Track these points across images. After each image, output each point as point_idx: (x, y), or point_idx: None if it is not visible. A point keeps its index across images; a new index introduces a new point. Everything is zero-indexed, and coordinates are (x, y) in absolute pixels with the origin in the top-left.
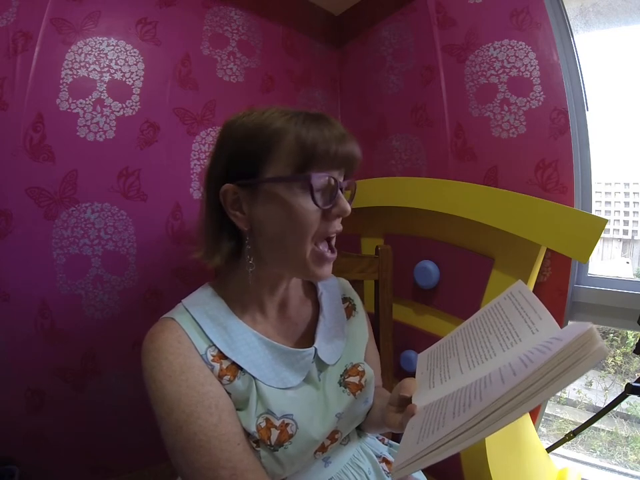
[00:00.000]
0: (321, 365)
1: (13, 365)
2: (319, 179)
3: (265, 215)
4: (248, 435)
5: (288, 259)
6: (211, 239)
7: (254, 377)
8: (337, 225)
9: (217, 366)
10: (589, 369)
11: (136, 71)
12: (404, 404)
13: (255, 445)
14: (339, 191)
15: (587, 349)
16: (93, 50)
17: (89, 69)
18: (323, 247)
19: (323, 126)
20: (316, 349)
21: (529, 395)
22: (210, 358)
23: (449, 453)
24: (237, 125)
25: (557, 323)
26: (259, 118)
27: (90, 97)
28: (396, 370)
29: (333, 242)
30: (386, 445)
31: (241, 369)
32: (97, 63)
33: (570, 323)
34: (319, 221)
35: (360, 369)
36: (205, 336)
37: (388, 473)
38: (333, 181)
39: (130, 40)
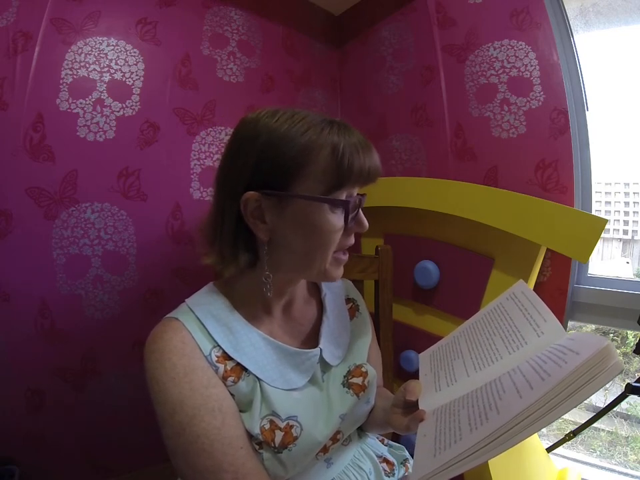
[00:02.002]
0: (325, 366)
1: (13, 365)
2: (353, 201)
3: (290, 228)
4: (251, 437)
5: (309, 269)
6: (226, 247)
7: (258, 378)
8: (352, 239)
9: (221, 367)
10: (605, 383)
11: (136, 71)
12: (409, 407)
13: (257, 446)
14: (360, 209)
15: (604, 364)
16: (93, 50)
17: (89, 69)
18: (339, 252)
19: (354, 139)
20: (321, 350)
21: (549, 409)
22: (214, 359)
23: (469, 467)
24: (260, 127)
25: (561, 326)
26: (287, 124)
27: (90, 97)
28: (396, 370)
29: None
30: (386, 445)
31: (246, 370)
32: (97, 62)
33: (575, 333)
34: (340, 236)
35: (363, 369)
36: (209, 336)
37: (388, 473)
38: (358, 200)
39: (130, 40)
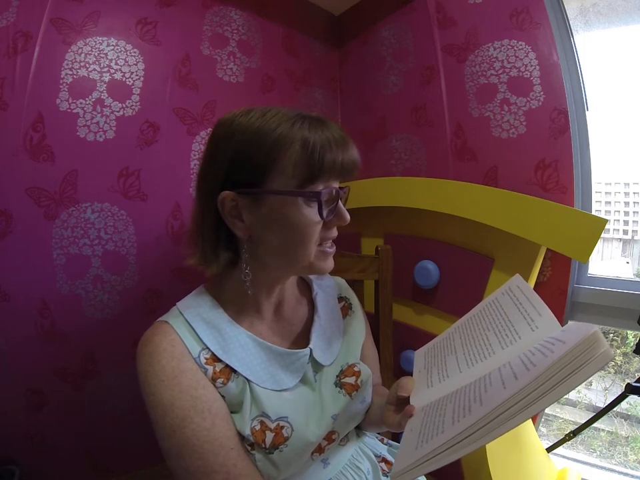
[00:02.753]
0: (317, 366)
1: (13, 365)
2: (326, 193)
3: (267, 225)
4: (242, 438)
5: (292, 264)
6: (208, 246)
7: (248, 380)
8: (334, 232)
9: (210, 369)
10: (593, 373)
11: (136, 71)
12: (402, 403)
13: (249, 448)
14: (339, 201)
15: (591, 352)
16: (93, 50)
17: (89, 69)
18: (324, 245)
19: (327, 133)
20: (311, 350)
21: (532, 400)
22: (203, 361)
23: (450, 460)
24: (234, 127)
25: (557, 320)
26: (259, 121)
27: (90, 97)
28: (396, 370)
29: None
30: (385, 444)
31: (235, 371)
32: (97, 62)
33: (570, 322)
34: (319, 230)
35: (356, 369)
36: (198, 339)
37: (386, 473)
38: (334, 192)
39: (130, 40)
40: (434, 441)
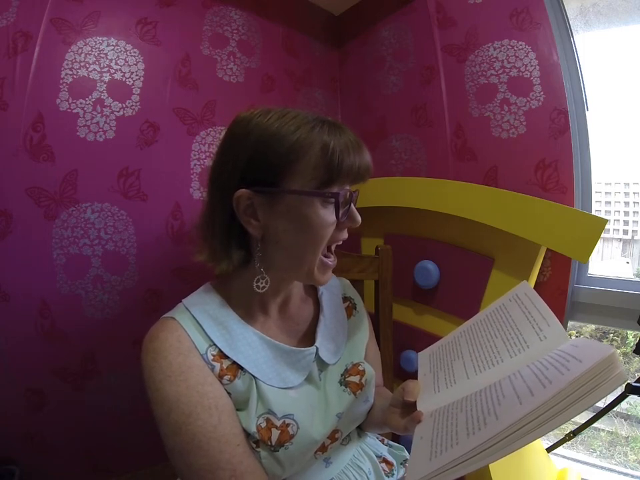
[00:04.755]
0: (322, 365)
1: (13, 365)
2: (343, 195)
3: (282, 224)
4: (248, 435)
5: (298, 267)
6: (219, 244)
7: (254, 377)
8: (345, 234)
9: (217, 366)
10: (607, 394)
11: (136, 71)
12: (407, 407)
13: (254, 445)
14: (352, 203)
15: (607, 373)
16: (93, 50)
17: (89, 69)
18: (327, 256)
19: (345, 138)
20: (317, 348)
21: (548, 418)
22: (210, 357)
23: (466, 472)
24: (252, 126)
25: (564, 331)
26: (278, 122)
27: (90, 97)
28: (396, 370)
29: (333, 247)
30: (385, 445)
31: (242, 368)
32: (97, 62)
33: (581, 339)
34: (332, 231)
35: (360, 368)
36: (205, 335)
37: (387, 473)
38: (349, 194)
39: (130, 40)
40: (449, 453)
